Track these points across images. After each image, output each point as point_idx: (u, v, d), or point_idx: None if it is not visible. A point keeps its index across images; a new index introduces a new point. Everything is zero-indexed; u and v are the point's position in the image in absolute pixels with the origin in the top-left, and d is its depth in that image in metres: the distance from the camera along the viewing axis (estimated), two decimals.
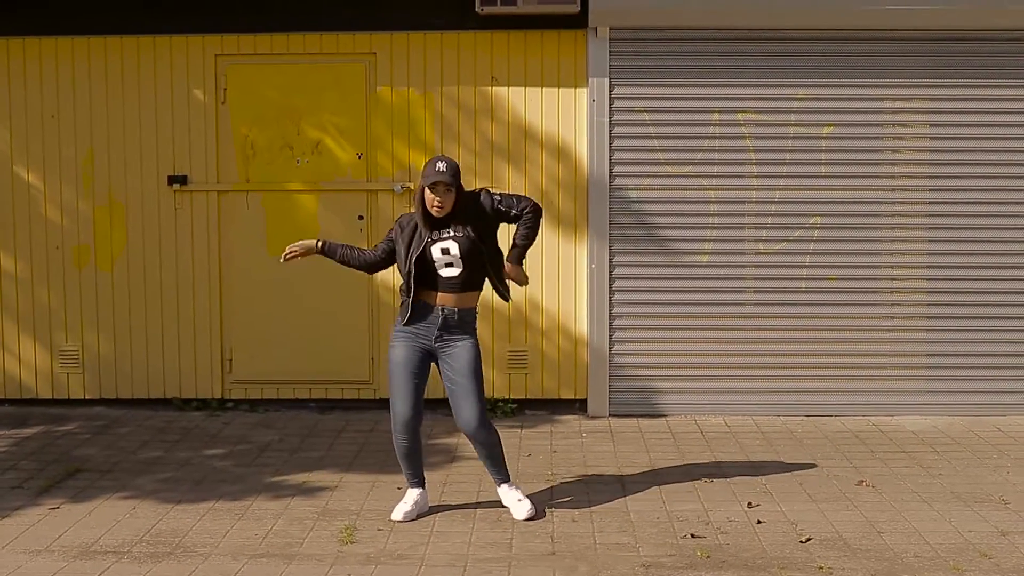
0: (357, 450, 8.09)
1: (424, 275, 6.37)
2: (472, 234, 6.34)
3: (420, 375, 6.45)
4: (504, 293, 6.63)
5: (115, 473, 7.54)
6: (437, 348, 6.41)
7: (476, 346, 6.48)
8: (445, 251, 6.33)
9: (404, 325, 6.41)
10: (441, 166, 6.25)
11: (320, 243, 6.62)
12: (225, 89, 9.15)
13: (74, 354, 9.35)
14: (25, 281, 9.30)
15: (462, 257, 6.33)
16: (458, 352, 6.40)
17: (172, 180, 9.19)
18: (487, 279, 6.51)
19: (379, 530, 6.33)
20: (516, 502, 6.59)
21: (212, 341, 9.32)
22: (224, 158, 9.20)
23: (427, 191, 6.29)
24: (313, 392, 9.36)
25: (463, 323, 6.43)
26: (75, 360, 9.36)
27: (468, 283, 6.41)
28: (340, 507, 6.79)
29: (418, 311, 6.38)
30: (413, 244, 6.37)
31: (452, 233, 6.34)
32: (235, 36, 9.10)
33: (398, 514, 6.53)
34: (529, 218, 6.48)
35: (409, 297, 6.37)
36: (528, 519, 6.48)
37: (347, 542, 6.17)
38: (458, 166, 6.34)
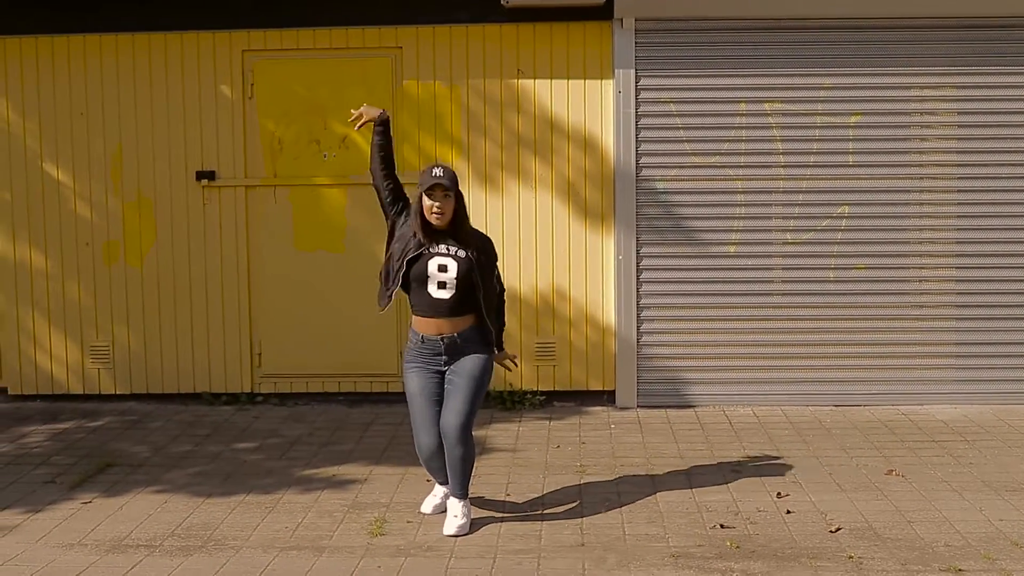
0: (386, 443, 8.12)
1: (413, 294, 6.17)
2: (473, 258, 6.11)
3: (439, 401, 6.21)
4: (499, 341, 6.40)
5: (146, 467, 7.59)
6: (447, 370, 6.21)
7: (487, 360, 6.26)
8: (442, 268, 6.08)
9: (412, 353, 6.24)
10: (438, 171, 6.03)
11: (384, 116, 6.36)
12: (252, 84, 9.19)
13: (105, 349, 9.41)
14: (56, 277, 9.36)
15: (458, 279, 6.08)
16: (465, 360, 6.18)
17: (200, 176, 9.23)
18: (485, 317, 6.24)
19: (408, 522, 6.35)
20: (452, 517, 6.25)
21: (241, 335, 9.36)
22: (252, 153, 9.23)
23: (424, 198, 6.03)
24: (342, 386, 9.39)
25: (468, 344, 6.19)
26: (106, 355, 9.42)
27: (458, 308, 6.15)
28: (370, 500, 6.81)
29: (422, 344, 6.19)
30: (409, 247, 6.13)
31: (452, 251, 6.11)
32: (262, 32, 9.13)
33: (427, 507, 6.53)
34: (501, 298, 6.45)
35: (393, 288, 6.16)
36: (451, 535, 6.15)
37: (377, 534, 6.20)
38: (456, 174, 6.14)
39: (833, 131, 8.96)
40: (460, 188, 6.19)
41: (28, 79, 9.26)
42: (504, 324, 6.50)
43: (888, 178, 8.99)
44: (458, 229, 6.15)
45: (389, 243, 6.30)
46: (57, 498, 6.92)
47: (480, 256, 6.17)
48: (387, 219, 6.36)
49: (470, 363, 6.18)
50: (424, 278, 6.11)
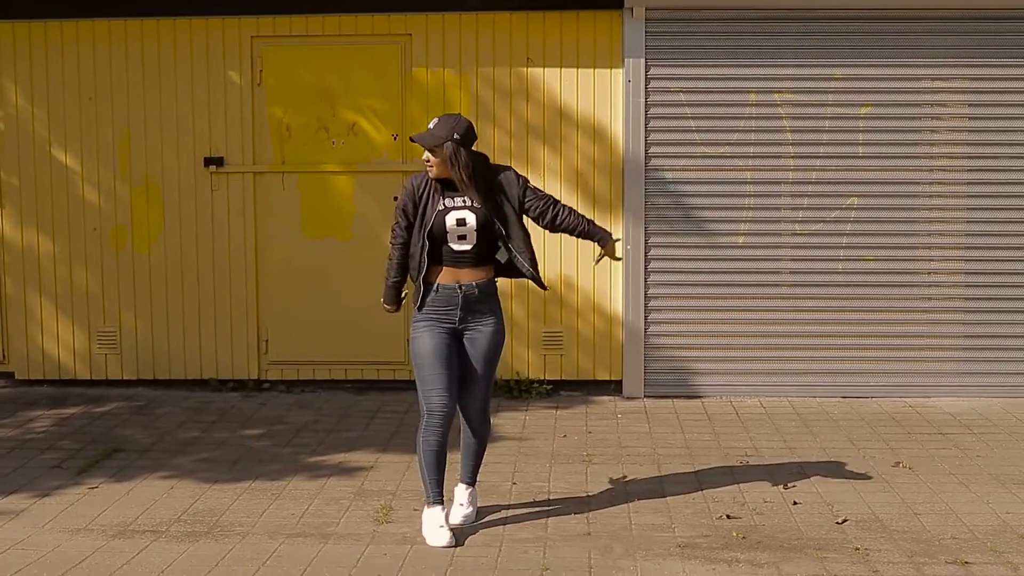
0: (393, 430, 8.12)
1: (433, 249, 5.91)
2: (490, 206, 5.89)
3: (452, 362, 5.94)
4: (538, 279, 6.08)
5: (153, 453, 7.60)
6: (462, 329, 5.97)
7: (501, 330, 6.08)
8: (461, 221, 5.87)
9: (422, 310, 5.97)
10: (431, 124, 5.92)
11: (393, 308, 6.19)
12: (261, 71, 9.17)
13: (112, 335, 9.42)
14: (63, 262, 9.36)
15: (477, 230, 5.88)
16: (482, 335, 5.99)
17: (208, 162, 9.22)
18: (516, 266, 6.02)
19: (415, 510, 6.34)
20: (458, 505, 6.20)
21: (248, 322, 9.36)
22: (260, 140, 9.23)
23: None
24: (349, 373, 9.39)
25: (486, 298, 5.99)
26: (113, 341, 9.42)
27: (481, 258, 5.95)
28: (376, 487, 6.81)
29: (435, 294, 5.94)
30: (428, 212, 5.91)
31: (468, 202, 5.90)
32: (270, 18, 9.12)
33: (456, 517, 6.17)
34: (562, 208, 6.10)
35: (420, 276, 5.93)
36: (457, 523, 6.08)
37: (383, 522, 6.20)
38: (456, 122, 5.87)
39: (843, 122, 8.94)
40: (460, 138, 5.84)
41: (36, 64, 9.26)
42: (584, 224, 6.16)
43: (898, 170, 8.97)
44: (474, 178, 5.90)
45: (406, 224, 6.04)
46: (64, 483, 6.93)
47: (499, 198, 5.95)
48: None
49: (486, 344, 6.01)
50: (444, 235, 5.90)
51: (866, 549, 5.74)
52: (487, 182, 5.98)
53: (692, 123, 8.97)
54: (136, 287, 9.37)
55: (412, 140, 5.99)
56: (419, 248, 5.95)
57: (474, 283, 5.97)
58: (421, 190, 5.99)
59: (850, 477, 6.94)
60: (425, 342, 5.95)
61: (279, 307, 9.36)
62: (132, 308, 9.38)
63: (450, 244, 5.93)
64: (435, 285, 5.96)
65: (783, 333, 9.07)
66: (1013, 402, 8.85)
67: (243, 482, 6.93)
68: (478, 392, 6.12)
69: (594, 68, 9.01)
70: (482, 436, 6.25)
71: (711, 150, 8.99)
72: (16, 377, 9.55)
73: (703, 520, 6.19)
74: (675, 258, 9.04)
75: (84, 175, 9.29)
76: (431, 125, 5.93)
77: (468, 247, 5.93)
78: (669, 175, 9.00)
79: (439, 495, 5.97)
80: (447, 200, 5.94)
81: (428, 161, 5.92)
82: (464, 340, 6.05)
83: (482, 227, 5.92)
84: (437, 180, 5.95)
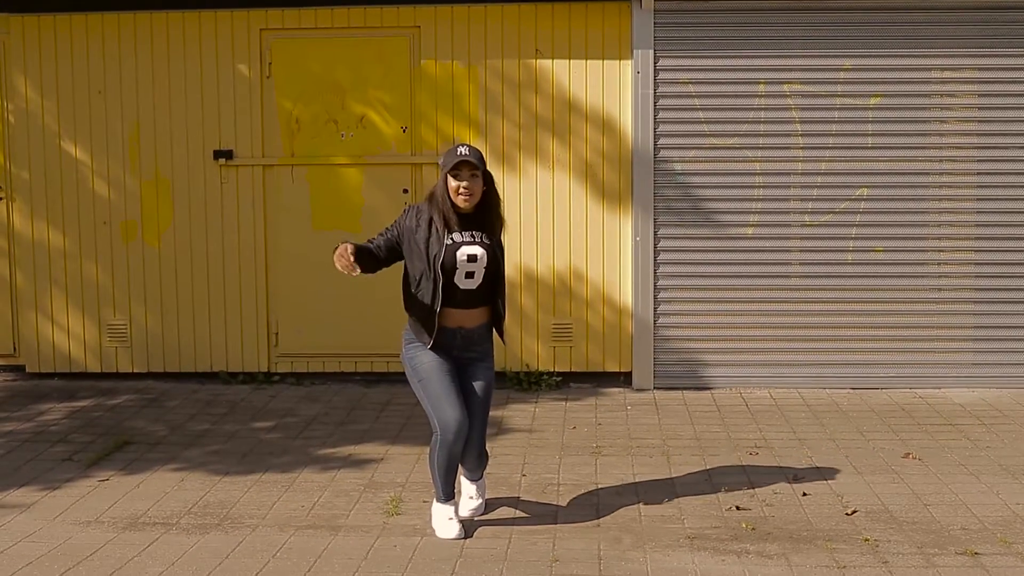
0: (403, 423, 8.13)
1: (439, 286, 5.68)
2: (497, 244, 5.77)
3: (456, 377, 5.78)
4: (502, 328, 5.98)
5: (163, 445, 7.62)
6: (458, 361, 5.83)
7: (493, 367, 5.97)
8: (472, 258, 5.64)
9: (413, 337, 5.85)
10: (463, 149, 5.57)
11: (353, 249, 5.56)
12: (270, 63, 9.18)
13: (122, 328, 9.43)
14: (73, 256, 9.38)
15: (487, 267, 5.67)
16: (479, 375, 5.86)
17: (218, 155, 9.23)
18: (499, 302, 5.88)
19: (424, 502, 6.35)
20: (467, 498, 6.15)
21: (258, 315, 9.37)
22: (269, 133, 9.23)
23: (450, 179, 5.60)
24: (359, 365, 9.40)
25: (483, 337, 5.86)
26: (123, 334, 9.44)
27: (485, 297, 5.77)
28: (386, 479, 6.82)
29: (438, 335, 5.74)
30: (433, 246, 5.65)
31: (479, 237, 5.70)
32: (280, 10, 9.11)
33: (464, 510, 6.14)
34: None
35: (435, 313, 5.67)
36: (466, 516, 6.05)
37: (393, 514, 6.20)
38: (482, 154, 5.71)
39: (852, 113, 8.92)
40: (487, 169, 5.78)
41: (46, 57, 9.27)
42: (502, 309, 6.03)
43: (907, 160, 8.95)
44: (487, 213, 5.75)
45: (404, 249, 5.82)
46: (74, 476, 6.95)
47: (497, 235, 5.85)
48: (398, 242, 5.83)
49: (482, 385, 5.87)
50: (453, 270, 5.65)
51: (876, 540, 5.74)
52: (498, 221, 5.84)
53: (701, 114, 8.96)
54: (146, 280, 9.38)
55: (464, 160, 5.55)
56: (432, 282, 5.69)
57: (473, 328, 5.81)
58: (426, 221, 5.71)
59: (860, 468, 6.93)
60: (426, 358, 5.80)
61: (289, 300, 9.37)
62: (142, 301, 9.40)
63: (456, 281, 5.69)
64: (434, 327, 5.74)
65: (793, 324, 9.07)
66: (1023, 393, 8.84)
67: (253, 474, 6.95)
68: (479, 432, 5.91)
69: (603, 60, 8.99)
70: (482, 464, 6.09)
71: (720, 141, 8.98)
72: (27, 370, 9.58)
73: (712, 511, 6.20)
74: (684, 249, 9.04)
75: (94, 168, 9.31)
76: (463, 150, 5.60)
77: (474, 285, 5.72)
78: (678, 166, 8.99)
79: (450, 494, 5.94)
80: (455, 235, 5.68)
81: (467, 189, 5.62)
82: (461, 373, 5.89)
83: (490, 264, 5.72)
84: (446, 213, 5.67)
